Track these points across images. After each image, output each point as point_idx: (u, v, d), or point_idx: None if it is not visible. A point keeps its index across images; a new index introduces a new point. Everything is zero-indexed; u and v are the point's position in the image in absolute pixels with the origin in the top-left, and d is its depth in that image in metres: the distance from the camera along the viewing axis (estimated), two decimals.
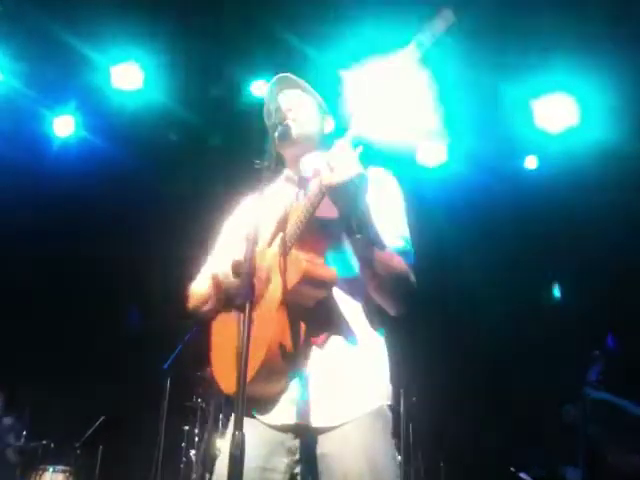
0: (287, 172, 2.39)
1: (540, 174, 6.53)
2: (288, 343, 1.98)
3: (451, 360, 6.44)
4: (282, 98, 2.36)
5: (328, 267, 2.02)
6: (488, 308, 6.55)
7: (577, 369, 5.97)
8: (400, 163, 6.33)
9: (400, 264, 2.05)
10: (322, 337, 2.04)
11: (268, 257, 2.12)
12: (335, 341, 2.05)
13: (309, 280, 1.96)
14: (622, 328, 5.89)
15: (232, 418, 2.12)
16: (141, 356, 5.93)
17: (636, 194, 5.68)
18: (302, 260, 1.97)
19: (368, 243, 1.97)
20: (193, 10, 5.45)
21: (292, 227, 2.04)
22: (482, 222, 6.48)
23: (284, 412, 2.00)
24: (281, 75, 2.41)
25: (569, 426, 5.90)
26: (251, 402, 1.99)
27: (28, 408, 6.22)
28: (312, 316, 2.02)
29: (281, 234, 2.09)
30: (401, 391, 5.66)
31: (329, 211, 1.99)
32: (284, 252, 2.03)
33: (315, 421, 1.97)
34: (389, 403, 2.11)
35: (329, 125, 2.42)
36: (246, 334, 1.62)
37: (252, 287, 1.66)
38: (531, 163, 6.62)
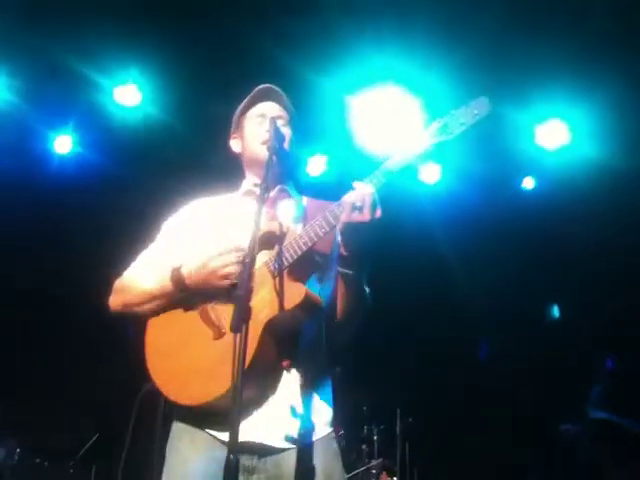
0: (249, 186, 2.39)
1: (537, 194, 6.57)
2: (264, 361, 2.00)
3: (449, 378, 6.42)
4: (264, 112, 2.36)
5: (317, 295, 2.08)
6: (486, 327, 6.55)
7: (577, 388, 5.96)
8: (402, 181, 6.37)
9: (368, 301, 2.17)
10: (288, 361, 2.09)
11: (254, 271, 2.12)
12: (300, 367, 2.10)
13: (306, 304, 2.00)
14: (622, 346, 5.90)
15: (177, 430, 2.12)
16: (136, 374, 5.90)
17: (629, 211, 5.76)
18: (301, 285, 2.02)
19: (358, 281, 2.07)
20: (194, 31, 5.49)
21: (287, 250, 2.05)
22: (480, 241, 6.49)
23: (246, 430, 1.96)
24: (264, 86, 2.43)
25: (569, 446, 5.89)
26: (213, 416, 1.99)
27: (21, 426, 6.17)
28: (288, 339, 2.07)
29: (268, 252, 2.10)
30: (397, 411, 5.64)
31: (323, 245, 2.06)
32: (277, 273, 2.05)
33: (276, 442, 2.01)
34: (331, 431, 2.16)
35: (294, 142, 2.42)
36: (242, 360, 1.62)
37: (248, 311, 1.66)
38: (529, 183, 6.67)
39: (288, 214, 2.30)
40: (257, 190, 2.29)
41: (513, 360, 6.52)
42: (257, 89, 2.43)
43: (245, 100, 2.46)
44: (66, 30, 5.30)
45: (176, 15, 5.33)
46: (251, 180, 2.40)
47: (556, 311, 7.23)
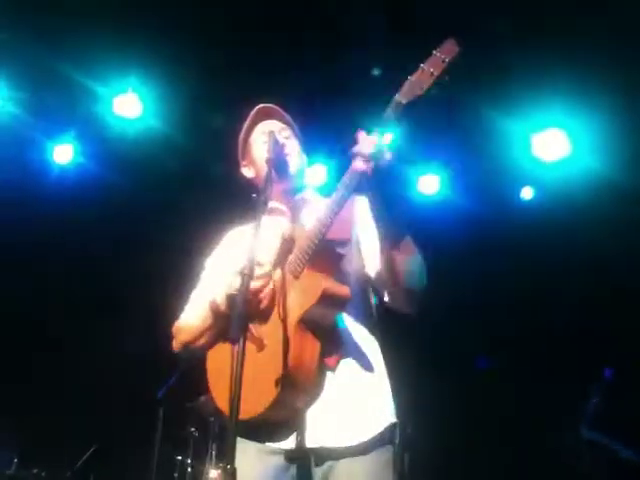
0: (272, 204, 2.37)
1: (536, 204, 6.58)
2: (309, 364, 1.97)
3: (448, 391, 6.40)
4: (271, 129, 2.35)
5: (343, 285, 2.03)
6: (481, 338, 6.54)
7: (573, 400, 5.95)
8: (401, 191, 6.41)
9: (418, 250, 2.14)
10: (334, 358, 2.05)
11: (275, 280, 2.12)
12: (347, 363, 2.07)
13: (328, 297, 1.97)
14: (620, 361, 5.89)
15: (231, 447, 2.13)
16: (134, 385, 5.90)
17: (628, 222, 5.77)
18: (320, 278, 1.99)
19: (396, 217, 2.04)
20: (195, 39, 5.51)
21: (302, 249, 2.05)
22: (478, 251, 6.50)
23: (296, 436, 2.00)
24: (262, 105, 2.44)
25: (566, 457, 5.87)
26: (265, 427, 2.00)
27: (19, 436, 6.15)
28: (325, 337, 2.03)
29: (290, 257, 2.10)
30: (396, 422, 5.61)
31: (338, 232, 2.04)
32: (297, 275, 2.04)
33: (327, 442, 1.99)
34: (395, 421, 2.14)
35: (305, 158, 2.46)
36: (240, 367, 1.62)
37: (246, 320, 1.67)
38: (527, 194, 6.67)
39: (312, 218, 2.27)
40: (278, 207, 2.36)
41: (512, 373, 6.51)
42: (254, 110, 2.44)
43: (245, 124, 2.47)
44: (66, 40, 5.32)
45: (178, 26, 5.36)
46: (273, 200, 2.39)
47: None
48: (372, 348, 2.17)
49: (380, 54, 5.34)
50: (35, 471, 5.78)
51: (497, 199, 6.52)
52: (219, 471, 5.03)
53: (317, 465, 1.99)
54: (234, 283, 2.04)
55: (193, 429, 5.50)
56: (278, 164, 2.18)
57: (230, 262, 2.29)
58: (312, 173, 6.52)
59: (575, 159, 5.97)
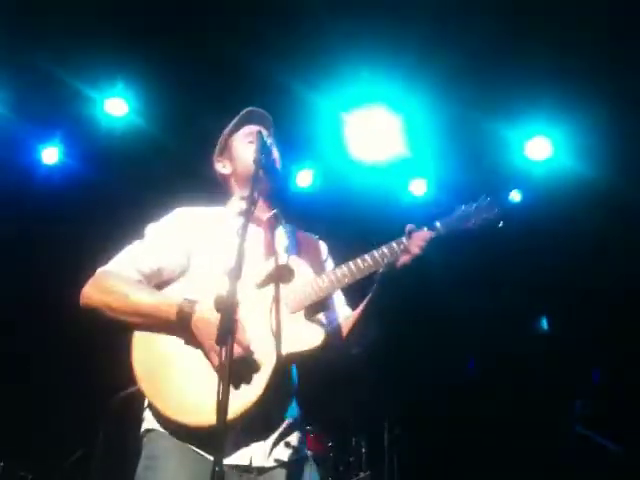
0: (239, 204, 2.41)
1: (525, 207, 6.63)
2: (272, 394, 2.05)
3: (438, 391, 6.42)
4: (252, 133, 2.38)
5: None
6: (475, 340, 6.56)
7: (564, 400, 5.99)
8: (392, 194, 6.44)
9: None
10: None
11: (257, 300, 2.12)
12: (285, 394, 2.20)
13: (323, 348, 2.08)
14: (610, 360, 5.93)
15: (163, 442, 2.06)
16: (123, 388, 5.86)
17: (612, 223, 5.86)
18: (319, 326, 2.11)
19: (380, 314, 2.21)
20: (183, 41, 5.52)
21: (305, 291, 2.14)
22: (468, 254, 6.51)
23: (236, 453, 2.04)
24: (250, 109, 2.49)
25: (555, 458, 5.92)
26: (203, 435, 1.96)
27: (5, 440, 6.11)
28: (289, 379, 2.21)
29: (284, 287, 2.13)
30: (385, 423, 5.63)
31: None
32: (294, 309, 2.12)
33: (262, 462, 2.05)
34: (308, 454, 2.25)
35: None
36: (227, 372, 1.62)
37: (234, 324, 1.67)
38: (515, 196, 6.71)
39: (282, 242, 2.35)
40: (257, 214, 2.32)
41: (501, 374, 6.54)
42: (244, 112, 2.48)
43: (232, 123, 2.50)
44: (53, 42, 5.33)
45: (163, 28, 5.36)
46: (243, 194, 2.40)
47: (545, 324, 7.26)
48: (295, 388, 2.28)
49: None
50: (21, 474, 5.75)
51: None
52: None
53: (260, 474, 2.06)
54: (212, 342, 1.96)
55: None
56: (266, 165, 2.18)
57: (186, 242, 2.26)
58: (300, 177, 6.56)
59: (558, 162, 6.13)
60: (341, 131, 5.87)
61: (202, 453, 2.00)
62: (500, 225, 2.13)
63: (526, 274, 6.52)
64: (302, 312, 2.10)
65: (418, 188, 6.67)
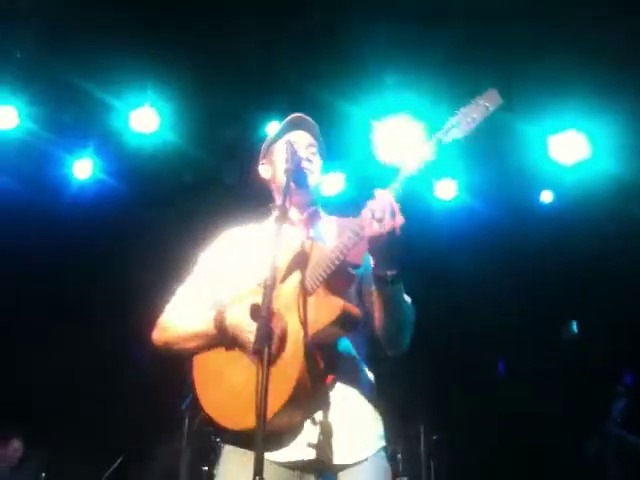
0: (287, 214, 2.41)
1: (556, 208, 6.53)
2: (311, 379, 2.01)
3: (471, 398, 6.37)
4: (296, 140, 2.37)
5: (355, 307, 2.07)
6: (505, 344, 6.50)
7: (596, 404, 5.90)
8: (418, 197, 6.39)
9: (410, 313, 2.18)
10: (330, 377, 2.09)
11: (283, 293, 2.13)
12: (342, 382, 2.11)
13: (345, 318, 2.00)
14: None
15: (226, 453, 2.13)
16: (160, 396, 5.93)
17: None
18: (337, 298, 2.02)
19: (397, 292, 2.05)
20: (210, 52, 5.56)
21: (319, 267, 2.06)
22: (498, 256, 6.46)
23: (297, 450, 2.01)
24: (296, 115, 2.46)
25: (591, 461, 5.83)
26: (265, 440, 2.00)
27: (46, 450, 6.21)
28: (330, 354, 2.08)
29: (302, 272, 2.10)
30: (421, 429, 5.59)
31: (353, 256, 2.04)
32: (311, 291, 2.05)
33: (329, 459, 2.00)
34: (384, 445, 2.17)
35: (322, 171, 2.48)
36: (265, 378, 1.64)
37: (270, 333, 1.69)
38: (547, 197, 6.62)
39: (322, 234, 2.32)
40: (290, 218, 2.35)
41: (534, 376, 6.46)
42: (289, 117, 2.46)
43: (277, 128, 2.50)
44: (84, 55, 5.39)
45: (193, 40, 5.41)
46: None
47: (574, 327, 7.16)
48: (367, 374, 2.22)
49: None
50: None
51: (516, 203, 6.48)
52: None
53: (318, 477, 2.02)
54: (245, 332, 2.04)
55: (219, 439, 5.51)
56: (296, 176, 2.19)
57: (233, 266, 2.30)
58: (331, 182, 6.54)
59: (594, 161, 5.91)
60: (371, 138, 5.84)
61: (267, 456, 2.01)
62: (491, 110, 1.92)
63: (558, 277, 6.44)
64: (320, 289, 2.04)
65: (446, 191, 6.61)
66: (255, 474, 1.60)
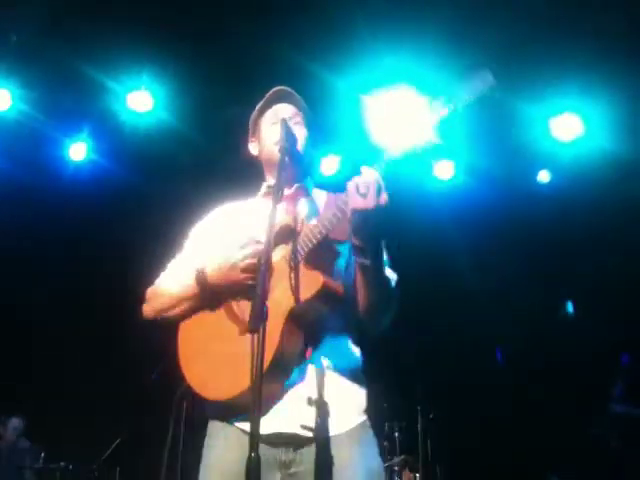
0: (267, 187, 2.40)
1: (553, 187, 6.53)
2: (289, 352, 2.02)
3: (468, 376, 6.40)
4: (283, 114, 2.35)
5: (338, 282, 2.06)
6: (501, 324, 6.52)
7: (595, 383, 5.93)
8: (416, 178, 6.37)
9: (393, 288, 2.16)
10: (309, 351, 2.09)
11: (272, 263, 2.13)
12: (325, 354, 2.10)
13: (325, 293, 2.00)
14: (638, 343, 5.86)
15: (211, 426, 2.14)
16: (158, 376, 5.95)
17: None
18: (318, 273, 2.01)
19: (376, 269, 2.03)
20: (206, 34, 5.52)
21: (302, 241, 2.06)
22: (496, 236, 6.47)
23: (276, 421, 2.00)
24: (278, 88, 2.43)
25: (594, 440, 5.88)
26: (243, 411, 1.98)
27: (46, 431, 6.25)
28: (310, 328, 2.08)
29: (285, 246, 2.11)
30: (418, 408, 5.63)
31: (338, 232, 2.04)
32: (294, 265, 2.04)
33: (308, 430, 2.01)
34: (367, 417, 2.16)
35: (313, 142, 2.45)
36: (260, 358, 1.64)
37: (266, 311, 1.68)
38: (544, 177, 6.61)
39: (309, 209, 2.30)
40: (279, 192, 2.34)
41: (533, 357, 6.49)
42: (271, 92, 2.43)
43: (259, 103, 2.47)
44: (78, 37, 5.35)
45: (187, 20, 5.36)
46: (270, 182, 2.41)
47: (570, 307, 7.18)
48: (350, 347, 2.20)
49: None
50: (62, 464, 5.89)
51: (514, 183, 6.48)
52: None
53: (295, 450, 2.02)
54: (234, 256, 2.09)
55: (207, 412, 5.53)
56: (291, 152, 2.18)
57: (221, 239, 2.29)
58: (326, 163, 6.52)
59: (589, 140, 5.94)
60: (362, 116, 5.80)
61: (244, 428, 2.03)
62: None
63: (553, 258, 6.45)
64: (302, 264, 2.03)
65: (444, 171, 6.60)
66: (250, 450, 1.59)
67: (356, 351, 2.21)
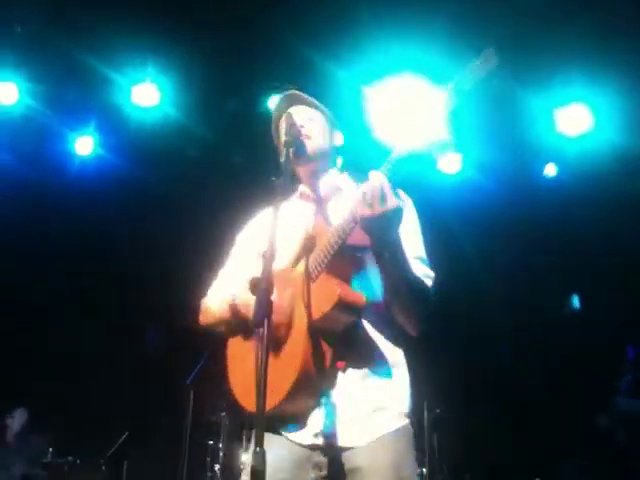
0: (302, 188, 2.42)
1: (560, 181, 6.48)
2: (317, 366, 2.01)
3: (475, 371, 6.39)
4: (293, 114, 2.33)
5: (358, 292, 2.03)
6: (507, 318, 6.49)
7: (601, 378, 5.90)
8: (421, 172, 6.33)
9: (425, 287, 2.13)
10: (341, 363, 2.07)
11: (292, 278, 2.13)
12: (358, 365, 2.08)
13: (342, 305, 1.97)
14: None
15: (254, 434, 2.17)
16: (164, 372, 5.97)
17: None
18: (335, 285, 1.99)
19: (398, 269, 2.01)
20: (210, 26, 5.49)
21: (321, 252, 2.05)
22: (500, 231, 6.43)
23: (312, 432, 2.03)
24: (290, 92, 2.44)
25: (601, 435, 5.85)
26: (280, 421, 2.05)
27: (53, 425, 6.27)
28: (337, 340, 2.06)
29: (307, 258, 2.10)
30: (424, 403, 5.62)
31: (359, 238, 2.00)
32: (313, 277, 2.05)
33: (342, 441, 2.01)
34: (411, 419, 2.15)
35: (338, 139, 2.46)
36: (265, 352, 1.63)
37: (269, 304, 1.67)
38: (550, 170, 6.57)
39: (338, 209, 2.23)
40: (309, 192, 2.37)
41: (539, 349, 6.46)
42: (286, 93, 2.44)
43: (274, 111, 2.48)
44: (84, 30, 5.34)
45: (193, 14, 5.34)
46: (304, 185, 2.42)
47: (576, 301, 7.14)
48: (389, 352, 2.16)
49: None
50: (70, 458, 5.90)
51: (520, 177, 6.44)
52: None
53: (331, 459, 2.01)
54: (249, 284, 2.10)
55: (223, 414, 5.56)
56: (295, 146, 2.16)
57: (256, 244, 2.31)
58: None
59: (598, 133, 5.85)
60: (367, 109, 5.75)
61: (285, 435, 2.07)
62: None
63: (560, 253, 6.41)
64: (323, 275, 2.03)
65: (451, 165, 6.56)
66: (256, 445, 1.60)
67: (395, 353, 2.18)
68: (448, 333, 6.37)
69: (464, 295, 6.44)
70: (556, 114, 5.92)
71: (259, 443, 1.60)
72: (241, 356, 2.20)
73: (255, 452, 1.60)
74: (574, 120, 5.87)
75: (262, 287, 1.70)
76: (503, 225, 6.41)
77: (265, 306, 1.66)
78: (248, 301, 2.08)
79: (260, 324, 1.66)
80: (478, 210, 6.33)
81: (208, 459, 5.52)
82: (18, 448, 6.21)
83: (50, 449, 5.99)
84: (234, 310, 2.17)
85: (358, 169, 2.34)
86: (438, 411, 5.67)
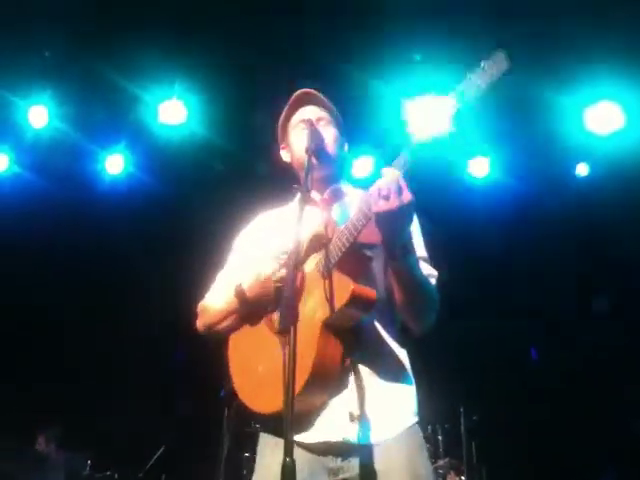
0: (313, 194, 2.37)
1: (592, 181, 6.37)
2: (329, 364, 2.00)
3: (511, 376, 6.30)
4: (309, 116, 2.33)
5: (370, 288, 2.02)
6: (541, 321, 6.39)
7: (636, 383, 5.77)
8: (451, 175, 6.29)
9: (431, 287, 2.14)
10: (348, 360, 2.06)
11: (301, 277, 2.12)
12: (368, 363, 2.08)
13: (356, 301, 1.97)
14: None
15: (262, 438, 2.16)
16: (198, 386, 5.99)
17: None
18: (349, 281, 1.98)
19: (409, 267, 2.01)
20: (235, 42, 5.54)
21: (333, 249, 2.04)
22: (532, 233, 6.35)
23: (322, 431, 2.01)
24: (302, 91, 2.41)
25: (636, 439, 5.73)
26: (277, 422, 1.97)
27: (92, 439, 6.34)
28: (349, 337, 2.05)
29: (317, 255, 2.10)
30: (461, 410, 5.55)
31: (368, 236, 2.00)
32: (325, 275, 2.03)
33: (355, 438, 1.99)
34: (418, 420, 2.13)
35: (345, 144, 2.44)
36: (292, 360, 1.62)
37: (296, 312, 1.67)
38: (582, 170, 6.47)
39: (346, 212, 2.26)
40: (306, 195, 2.33)
41: (575, 355, 6.35)
42: (294, 96, 2.42)
43: (285, 108, 2.45)
44: (111, 50, 5.43)
45: (217, 31, 5.39)
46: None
47: (606, 302, 6.93)
48: (394, 350, 2.16)
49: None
50: (108, 473, 5.96)
51: (551, 178, 6.34)
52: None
53: (344, 459, 2.00)
54: (265, 270, 2.11)
55: (258, 425, 5.55)
56: (317, 153, 2.16)
57: (259, 246, 2.31)
58: (359, 165, 6.48)
59: (630, 131, 5.74)
60: (400, 117, 5.73)
61: (297, 439, 2.00)
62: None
63: (591, 254, 6.30)
64: (335, 272, 2.02)
65: (479, 169, 6.50)
66: (285, 455, 1.58)
67: (401, 353, 2.18)
68: (481, 338, 6.30)
69: (495, 300, 6.37)
70: (586, 113, 5.82)
71: (288, 453, 1.59)
72: (246, 356, 2.18)
73: (285, 464, 1.59)
74: (605, 118, 5.75)
75: (288, 295, 1.70)
76: (534, 227, 6.33)
77: (291, 313, 1.66)
78: (254, 285, 2.13)
79: (286, 331, 1.66)
80: (508, 213, 6.25)
81: (245, 471, 5.51)
82: (57, 463, 6.29)
83: (89, 462, 6.05)
84: (240, 293, 2.16)
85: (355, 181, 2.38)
86: (475, 418, 5.60)
